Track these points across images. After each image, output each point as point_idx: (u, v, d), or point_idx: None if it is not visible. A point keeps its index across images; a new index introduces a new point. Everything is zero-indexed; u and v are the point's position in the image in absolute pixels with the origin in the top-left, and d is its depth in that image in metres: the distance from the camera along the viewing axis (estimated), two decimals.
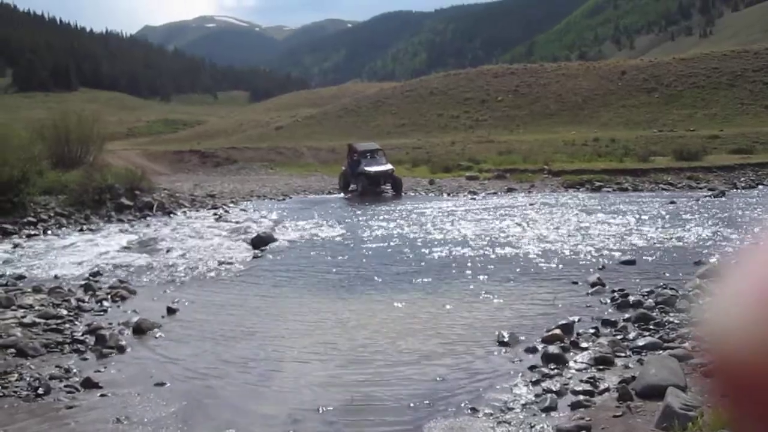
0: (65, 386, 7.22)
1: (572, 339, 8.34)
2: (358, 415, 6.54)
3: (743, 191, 28.79)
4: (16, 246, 16.90)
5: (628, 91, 73.06)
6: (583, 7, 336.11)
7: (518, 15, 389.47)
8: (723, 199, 25.58)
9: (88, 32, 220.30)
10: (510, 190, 31.11)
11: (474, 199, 28.41)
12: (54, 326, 9.38)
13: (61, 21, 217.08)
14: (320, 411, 6.56)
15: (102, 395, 7.04)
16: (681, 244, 15.49)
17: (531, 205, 25.07)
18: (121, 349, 8.53)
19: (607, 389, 6.68)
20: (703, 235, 16.48)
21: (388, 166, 31.27)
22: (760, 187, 30.38)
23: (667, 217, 20.41)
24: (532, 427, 6.08)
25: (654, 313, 9.20)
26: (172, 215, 23.33)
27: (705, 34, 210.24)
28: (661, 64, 79.29)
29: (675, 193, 29.16)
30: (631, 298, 10.07)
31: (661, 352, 7.54)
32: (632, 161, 38.46)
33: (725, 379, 0.51)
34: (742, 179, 32.75)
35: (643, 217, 20.52)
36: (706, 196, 26.40)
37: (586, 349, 7.92)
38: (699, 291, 10.22)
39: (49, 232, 19.23)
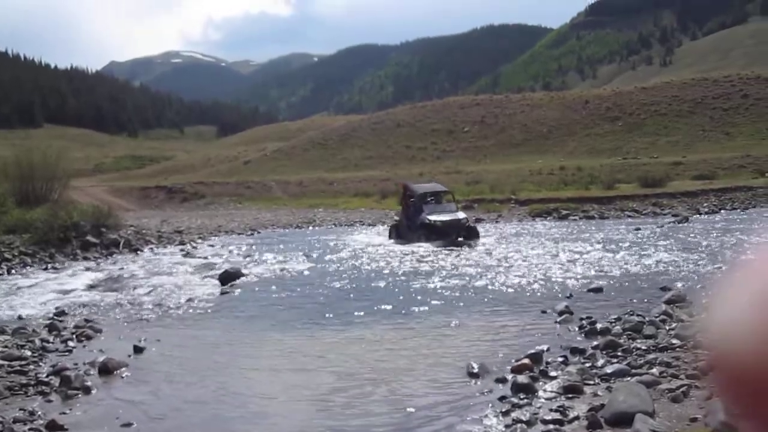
0: (29, 429, 7.05)
1: (541, 368, 8.34)
2: None
3: (706, 216, 29.28)
4: None
5: (592, 120, 74.24)
6: (546, 39, 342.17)
7: (483, 47, 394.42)
8: (687, 224, 25.96)
9: (53, 68, 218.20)
10: (478, 220, 31.30)
11: None
12: (18, 368, 9.17)
13: (25, 57, 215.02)
14: None
15: None
16: (647, 270, 15.66)
17: (499, 235, 25.22)
18: (87, 390, 8.36)
19: (576, 417, 6.69)
20: (669, 261, 16.68)
21: (460, 215, 24.03)
22: (723, 212, 30.91)
23: (633, 243, 20.65)
24: None
25: (621, 340, 9.26)
26: (139, 252, 23.13)
27: (665, 63, 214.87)
28: (623, 93, 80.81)
29: (640, 219, 29.57)
30: (599, 326, 10.10)
31: (629, 378, 7.58)
32: (598, 189, 39.04)
33: (730, 382, 0.52)
34: (705, 205, 33.34)
35: (609, 244, 20.74)
36: (670, 222, 26.79)
37: (555, 377, 7.94)
38: (665, 317, 10.33)
39: (14, 271, 18.93)
